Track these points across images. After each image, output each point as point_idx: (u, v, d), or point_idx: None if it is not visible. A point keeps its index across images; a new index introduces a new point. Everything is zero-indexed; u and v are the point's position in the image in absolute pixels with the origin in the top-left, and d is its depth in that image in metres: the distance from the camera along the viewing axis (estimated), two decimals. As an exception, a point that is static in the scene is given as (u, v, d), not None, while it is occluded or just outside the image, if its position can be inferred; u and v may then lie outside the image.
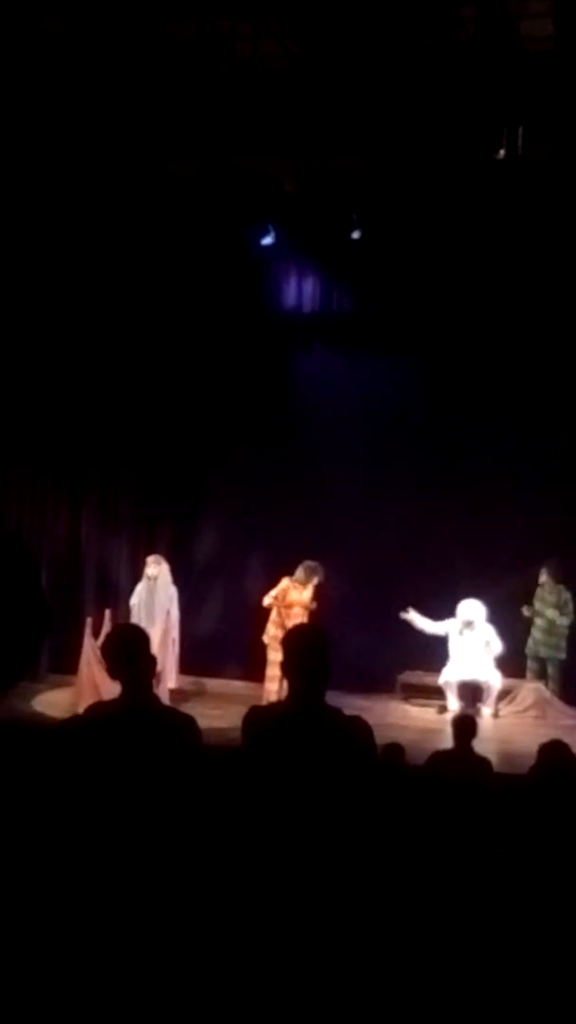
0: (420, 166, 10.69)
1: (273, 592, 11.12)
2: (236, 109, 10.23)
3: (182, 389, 13.05)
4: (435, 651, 11.60)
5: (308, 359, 13.12)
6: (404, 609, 11.48)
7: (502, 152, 9.93)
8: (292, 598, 11.04)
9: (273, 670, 10.80)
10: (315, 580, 11.13)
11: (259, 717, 4.03)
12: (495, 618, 11.60)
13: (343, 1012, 3.66)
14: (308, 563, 11.16)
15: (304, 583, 11.10)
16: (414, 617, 11.47)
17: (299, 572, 11.13)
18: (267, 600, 11.12)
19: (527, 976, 4.41)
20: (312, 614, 10.98)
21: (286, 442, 12.83)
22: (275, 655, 10.69)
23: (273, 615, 11.11)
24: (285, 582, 11.12)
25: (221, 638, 12.71)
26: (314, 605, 11.07)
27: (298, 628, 4.37)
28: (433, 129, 10.14)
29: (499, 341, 12.21)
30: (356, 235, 11.74)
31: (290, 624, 10.35)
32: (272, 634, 10.99)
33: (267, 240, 11.98)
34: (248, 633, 11.42)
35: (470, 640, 11.47)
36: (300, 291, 12.53)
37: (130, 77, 10.06)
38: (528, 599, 11.87)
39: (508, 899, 4.74)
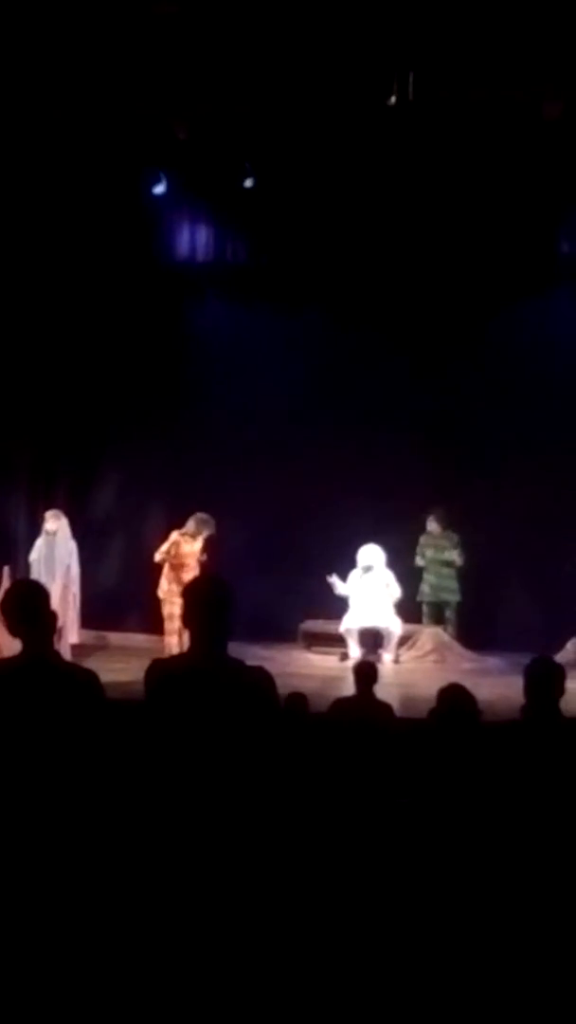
0: (312, 113, 10.64)
1: (164, 547, 10.98)
2: (126, 55, 10.05)
3: (76, 341, 12.90)
4: (335, 599, 11.68)
5: (203, 309, 13.04)
6: (329, 573, 11.54)
7: (393, 98, 9.92)
8: (184, 551, 10.92)
9: (171, 624, 10.74)
10: (205, 532, 11.02)
11: (161, 670, 4.02)
12: (392, 564, 11.72)
13: (249, 959, 3.70)
14: (199, 515, 11.02)
15: (195, 535, 10.99)
16: (335, 582, 11.53)
17: (190, 524, 11.01)
18: (158, 556, 10.99)
19: (425, 917, 4.49)
20: (203, 566, 10.90)
21: (183, 393, 12.76)
22: (171, 608, 10.65)
23: (166, 569, 11.00)
24: (175, 535, 10.99)
25: (122, 592, 12.65)
26: (204, 557, 10.98)
27: (199, 579, 4.36)
28: (325, 75, 10.09)
29: (394, 288, 12.25)
30: (249, 183, 11.66)
31: (184, 577, 10.33)
32: (166, 588, 10.90)
33: (159, 188, 11.84)
34: (148, 586, 11.37)
35: (370, 585, 11.57)
36: (193, 240, 12.43)
37: (18, 24, 9.80)
38: (420, 549, 12.05)
39: (411, 841, 4.81)
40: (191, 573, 10.48)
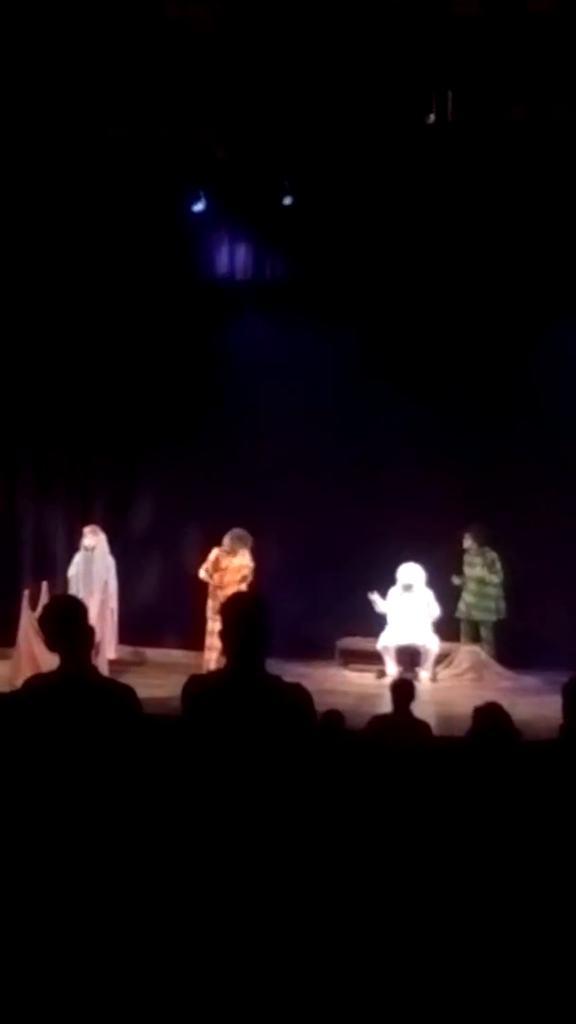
0: (351, 131, 10.68)
1: (205, 565, 11.11)
2: (166, 74, 10.13)
3: (116, 358, 12.96)
4: (373, 616, 11.66)
5: (242, 327, 13.07)
6: (370, 591, 11.53)
7: (432, 116, 9.94)
8: (223, 566, 11.04)
9: (211, 640, 10.82)
10: (244, 548, 11.09)
11: (199, 686, 4.03)
12: (432, 583, 11.68)
13: (282, 975, 3.70)
14: (235, 531, 11.12)
15: (232, 552, 11.08)
16: (376, 600, 11.52)
17: (226, 541, 11.11)
18: (202, 573, 11.11)
19: (463, 939, 4.47)
20: (250, 583, 10.94)
21: (221, 410, 12.78)
22: (212, 625, 10.75)
23: (210, 587, 11.09)
24: (214, 553, 11.10)
25: (159, 607, 12.68)
26: (249, 574, 11.01)
27: (236, 595, 4.35)
28: (363, 94, 10.13)
29: (432, 306, 12.24)
30: (288, 201, 11.71)
31: (222, 594, 10.43)
32: (210, 605, 10.99)
33: (198, 207, 11.91)
34: (186, 602, 11.41)
35: (409, 603, 11.55)
36: (232, 258, 12.47)
37: (57, 40, 9.90)
38: (458, 568, 11.99)
39: (449, 861, 4.80)
40: (231, 589, 10.54)
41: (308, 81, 10.09)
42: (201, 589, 11.19)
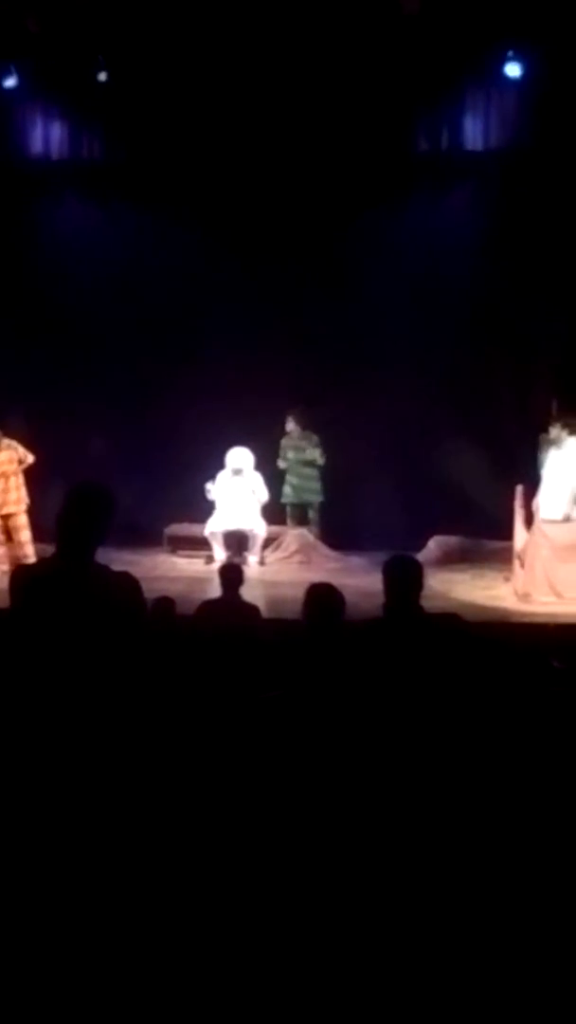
0: (164, 3, 10.41)
1: None
2: None
3: None
4: (200, 503, 11.67)
5: (58, 208, 12.73)
6: (205, 480, 11.51)
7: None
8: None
9: None
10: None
11: (25, 576, 3.99)
12: (260, 466, 11.73)
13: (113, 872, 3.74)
14: None
15: None
16: (210, 489, 11.50)
17: None
18: None
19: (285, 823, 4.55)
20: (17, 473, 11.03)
21: (38, 294, 12.45)
22: None
23: None
24: None
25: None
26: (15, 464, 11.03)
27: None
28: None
29: (255, 185, 12.08)
30: (103, 76, 11.37)
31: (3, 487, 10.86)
32: None
33: (9, 82, 11.49)
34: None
35: (237, 488, 11.58)
36: (47, 137, 12.07)
37: None
38: (278, 451, 12.07)
39: (280, 736, 4.87)
40: (9, 484, 10.96)
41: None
42: (27, 478, 11.08)
